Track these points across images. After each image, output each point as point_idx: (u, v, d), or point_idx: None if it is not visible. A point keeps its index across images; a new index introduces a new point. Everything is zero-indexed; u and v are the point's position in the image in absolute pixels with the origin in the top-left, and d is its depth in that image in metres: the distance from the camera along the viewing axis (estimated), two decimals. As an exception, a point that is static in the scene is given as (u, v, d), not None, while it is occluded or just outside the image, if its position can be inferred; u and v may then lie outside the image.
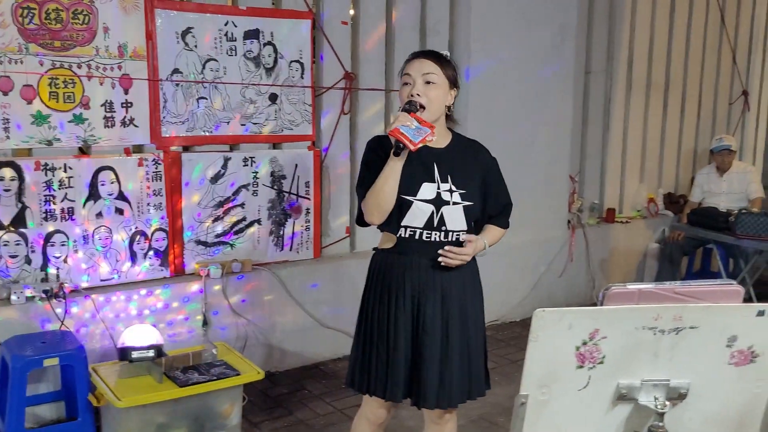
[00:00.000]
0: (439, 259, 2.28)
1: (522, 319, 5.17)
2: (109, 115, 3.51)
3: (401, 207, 2.30)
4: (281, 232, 4.14)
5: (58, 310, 3.31)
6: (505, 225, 2.51)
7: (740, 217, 4.77)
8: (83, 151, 3.53)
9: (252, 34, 3.90)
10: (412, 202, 2.29)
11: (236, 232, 3.99)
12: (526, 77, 4.93)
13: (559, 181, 5.31)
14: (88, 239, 3.51)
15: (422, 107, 2.26)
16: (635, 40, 5.90)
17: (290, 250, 4.18)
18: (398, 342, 2.34)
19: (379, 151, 2.36)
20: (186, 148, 3.83)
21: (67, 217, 3.44)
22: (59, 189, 3.41)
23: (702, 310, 1.34)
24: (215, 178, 3.88)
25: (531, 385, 1.34)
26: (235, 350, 3.52)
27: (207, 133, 3.83)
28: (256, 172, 4.01)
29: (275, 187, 4.08)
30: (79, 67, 3.40)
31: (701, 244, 5.62)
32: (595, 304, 1.41)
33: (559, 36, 5.07)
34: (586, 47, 5.57)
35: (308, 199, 4.20)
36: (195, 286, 3.76)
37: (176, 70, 3.69)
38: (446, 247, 2.28)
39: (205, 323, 3.78)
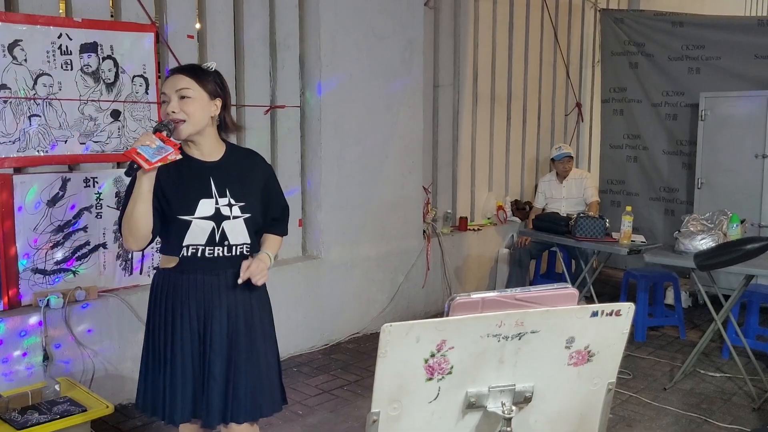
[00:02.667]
0: (242, 280, 2.25)
1: (383, 330, 5.22)
2: (-76, 135, 3.18)
3: (180, 228, 2.25)
4: (130, 256, 3.93)
5: None
6: (283, 232, 2.53)
7: (579, 221, 5.11)
8: None
9: (89, 48, 3.69)
10: (191, 221, 2.25)
11: (79, 258, 3.74)
12: (378, 91, 5.02)
13: (413, 191, 5.44)
14: None
15: (182, 122, 2.23)
16: (479, 55, 6.19)
17: (140, 273, 3.98)
18: (185, 362, 2.30)
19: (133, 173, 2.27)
20: (18, 170, 3.54)
21: None
22: None
23: (541, 314, 1.40)
24: (53, 201, 3.61)
25: (382, 401, 1.34)
26: (81, 385, 3.30)
27: (42, 153, 3.57)
28: (99, 193, 3.78)
29: (121, 208, 3.86)
30: None
31: (546, 248, 5.98)
32: (451, 311, 1.44)
33: (407, 51, 5.21)
34: (433, 62, 5.78)
35: (158, 219, 4.01)
36: (33, 318, 3.48)
37: (3, 86, 3.41)
38: (246, 270, 2.25)
39: (45, 358, 3.50)
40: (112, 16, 3.88)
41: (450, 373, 1.37)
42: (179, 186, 2.24)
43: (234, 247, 2.31)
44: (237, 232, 2.30)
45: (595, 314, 1.44)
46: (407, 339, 1.30)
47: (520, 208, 6.58)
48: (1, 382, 3.33)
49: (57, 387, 3.12)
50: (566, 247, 5.70)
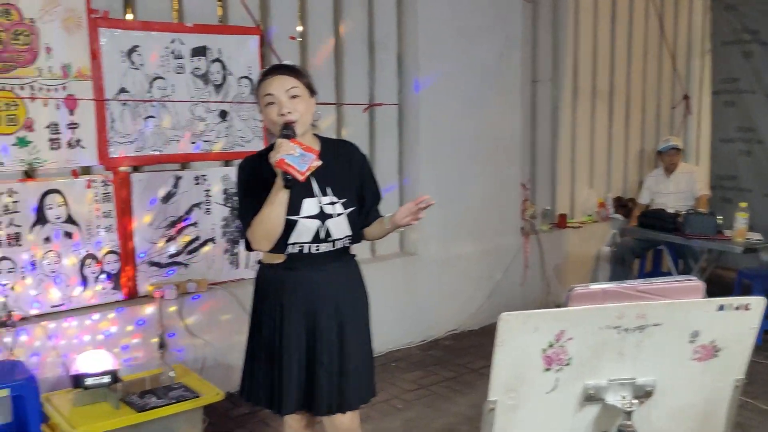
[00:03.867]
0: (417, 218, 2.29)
1: (480, 328, 5.19)
2: (54, 136, 3.41)
3: (286, 228, 2.26)
4: (236, 250, 4.08)
5: (7, 340, 3.19)
6: (380, 215, 2.51)
7: (688, 218, 4.89)
8: (28, 174, 3.41)
9: (199, 51, 3.85)
10: (296, 221, 2.27)
11: (190, 252, 3.91)
12: (475, 87, 4.99)
13: (510, 189, 5.38)
14: (36, 265, 3.39)
15: (295, 122, 2.22)
16: (579, 49, 6.04)
17: (246, 267, 4.11)
18: (292, 354, 2.34)
19: (252, 174, 2.31)
20: (136, 168, 3.74)
21: (13, 242, 3.32)
22: (4, 214, 3.29)
23: (664, 307, 1.36)
24: (167, 198, 3.80)
25: (499, 390, 1.33)
26: (193, 372, 3.45)
27: (157, 152, 3.75)
28: (209, 190, 3.94)
29: (228, 204, 4.02)
30: (22, 88, 3.30)
31: (652, 246, 5.75)
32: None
33: (505, 46, 5.15)
34: (532, 57, 5.67)
35: (263, 215, 4.15)
36: (149, 309, 3.67)
37: (123, 89, 3.61)
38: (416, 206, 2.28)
39: (161, 346, 3.68)
40: (220, 20, 4.03)
41: (568, 364, 1.34)
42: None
43: (336, 242, 2.34)
44: (341, 227, 2.33)
45: (722, 308, 1.38)
46: (525, 328, 1.29)
47: (623, 204, 6.37)
48: (121, 367, 3.53)
49: (172, 374, 3.26)
50: (674, 246, 5.46)
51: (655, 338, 1.38)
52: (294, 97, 2.24)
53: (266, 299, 2.41)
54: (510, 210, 5.39)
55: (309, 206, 2.29)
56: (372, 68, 4.67)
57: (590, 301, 1.38)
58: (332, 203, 2.31)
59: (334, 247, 2.34)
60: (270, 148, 2.25)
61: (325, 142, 2.43)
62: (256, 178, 2.27)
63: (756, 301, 1.38)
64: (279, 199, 2.18)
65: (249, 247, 2.36)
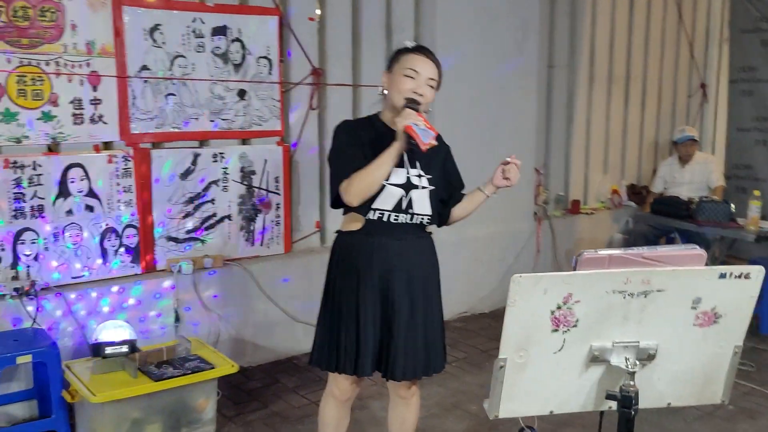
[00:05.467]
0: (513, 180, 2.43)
1: (491, 311, 5.25)
2: (77, 112, 3.49)
3: None
4: (252, 227, 4.15)
5: (30, 308, 3.28)
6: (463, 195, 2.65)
7: (701, 205, 4.90)
8: (52, 148, 3.50)
9: (220, 31, 3.91)
10: (384, 185, 2.37)
11: (207, 228, 3.99)
12: (490, 72, 5.01)
13: (524, 173, 5.35)
14: (58, 237, 3.48)
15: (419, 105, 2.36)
16: (596, 34, 6.04)
17: (261, 245, 4.19)
18: (367, 319, 2.42)
19: (354, 134, 2.43)
20: (155, 145, 3.81)
21: (36, 214, 3.41)
22: (29, 186, 3.37)
23: (668, 273, 1.40)
24: (185, 174, 3.87)
25: (509, 349, 1.39)
26: (209, 345, 3.53)
27: (176, 129, 3.82)
28: (226, 168, 4.01)
29: (245, 182, 4.09)
30: (47, 64, 3.37)
31: (664, 233, 5.76)
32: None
33: (521, 31, 5.16)
34: (548, 42, 5.69)
35: (278, 194, 4.21)
36: (167, 282, 3.75)
37: (144, 67, 3.68)
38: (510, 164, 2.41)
39: (177, 319, 3.77)
40: (240, 1, 4.08)
41: (575, 326, 1.40)
42: (378, 153, 2.34)
43: (416, 216, 2.42)
44: (421, 202, 2.42)
45: (723, 276, 1.43)
46: (535, 290, 1.35)
47: (637, 192, 6.38)
48: (138, 338, 3.61)
49: (188, 345, 3.35)
50: (686, 233, 5.46)
51: (658, 303, 1.43)
52: (429, 85, 2.41)
53: (343, 264, 2.49)
54: (523, 195, 5.42)
55: (397, 175, 2.39)
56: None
57: (598, 266, 1.44)
58: (419, 176, 2.42)
59: (411, 220, 2.42)
60: (367, 118, 2.52)
61: None
62: (355, 139, 2.41)
63: (756, 270, 1.43)
64: (390, 157, 2.30)
65: (335, 203, 2.46)
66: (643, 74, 6.53)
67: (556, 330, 1.40)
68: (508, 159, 2.42)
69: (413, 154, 2.40)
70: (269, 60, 4.10)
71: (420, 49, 2.46)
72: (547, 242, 5.61)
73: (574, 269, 1.44)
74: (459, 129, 4.89)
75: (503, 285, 5.25)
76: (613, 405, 1.50)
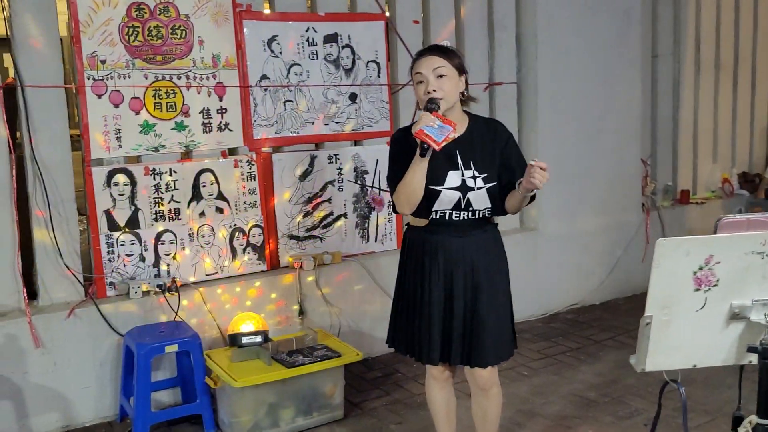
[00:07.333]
0: (536, 180, 2.26)
1: (601, 303, 5.24)
2: (206, 121, 3.77)
3: (430, 196, 2.47)
4: (366, 225, 4.34)
5: (171, 303, 3.58)
6: None
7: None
8: (185, 155, 3.79)
9: (331, 38, 4.12)
10: (440, 191, 2.47)
11: (324, 226, 4.20)
12: (593, 64, 5.02)
13: (630, 165, 5.36)
14: (193, 237, 3.78)
15: (440, 99, 2.40)
16: (701, 20, 5.91)
17: (375, 241, 4.37)
18: (432, 309, 2.55)
19: (404, 143, 2.50)
20: (275, 149, 4.06)
21: (174, 217, 3.71)
22: (166, 192, 3.68)
23: (804, 235, 1.47)
24: (303, 176, 4.10)
25: (654, 307, 1.51)
26: (333, 335, 3.72)
27: (294, 134, 4.06)
28: (341, 169, 4.22)
29: (359, 182, 4.28)
30: (179, 78, 3.67)
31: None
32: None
33: (623, 22, 5.14)
34: (651, 31, 5.62)
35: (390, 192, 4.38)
36: (290, 278, 3.98)
37: (264, 76, 3.93)
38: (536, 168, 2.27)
39: (301, 312, 4.00)
40: (349, 9, 4.28)
41: (716, 285, 1.50)
42: (431, 159, 2.41)
43: (476, 212, 2.53)
44: (480, 200, 2.51)
45: None
46: (678, 252, 1.47)
47: (749, 180, 6.19)
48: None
49: (315, 336, 3.56)
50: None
51: (795, 263, 1.49)
52: (441, 76, 2.44)
53: (411, 258, 2.64)
54: (631, 186, 5.39)
55: (452, 178, 2.49)
56: (491, 48, 4.79)
57: (736, 229, 1.54)
58: (473, 177, 2.50)
59: (473, 216, 2.53)
60: None
61: (474, 119, 2.62)
62: (404, 148, 2.49)
63: None
64: (418, 166, 2.38)
65: (395, 210, 2.59)
66: (753, 57, 6.32)
67: (698, 289, 1.51)
68: (532, 162, 2.29)
69: (466, 154, 2.47)
70: (377, 63, 4.28)
71: (420, 53, 2.52)
72: (656, 233, 5.53)
73: (715, 233, 1.54)
74: (565, 124, 4.94)
75: (613, 277, 5.27)
76: (754, 358, 1.59)
